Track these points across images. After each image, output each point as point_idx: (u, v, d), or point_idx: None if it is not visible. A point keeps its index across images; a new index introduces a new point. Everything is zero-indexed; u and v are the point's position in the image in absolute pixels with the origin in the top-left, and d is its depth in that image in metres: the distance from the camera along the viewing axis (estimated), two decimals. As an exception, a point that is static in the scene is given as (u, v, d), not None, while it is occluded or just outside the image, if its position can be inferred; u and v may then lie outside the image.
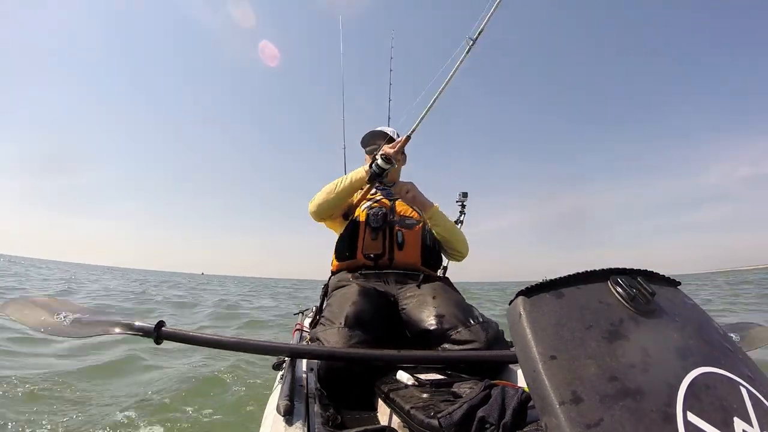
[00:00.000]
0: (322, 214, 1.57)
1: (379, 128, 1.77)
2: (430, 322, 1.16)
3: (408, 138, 1.47)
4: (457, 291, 1.35)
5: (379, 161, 1.43)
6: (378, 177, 1.46)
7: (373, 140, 1.73)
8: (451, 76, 1.49)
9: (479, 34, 1.50)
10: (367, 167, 1.48)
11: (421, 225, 1.54)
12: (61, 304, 1.14)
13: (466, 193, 2.00)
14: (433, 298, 1.24)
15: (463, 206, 2.01)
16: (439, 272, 1.67)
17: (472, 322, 1.14)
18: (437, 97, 1.49)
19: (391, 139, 1.70)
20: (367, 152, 1.74)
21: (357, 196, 1.60)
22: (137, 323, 1.01)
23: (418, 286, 1.34)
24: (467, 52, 1.50)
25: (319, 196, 1.55)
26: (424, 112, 1.49)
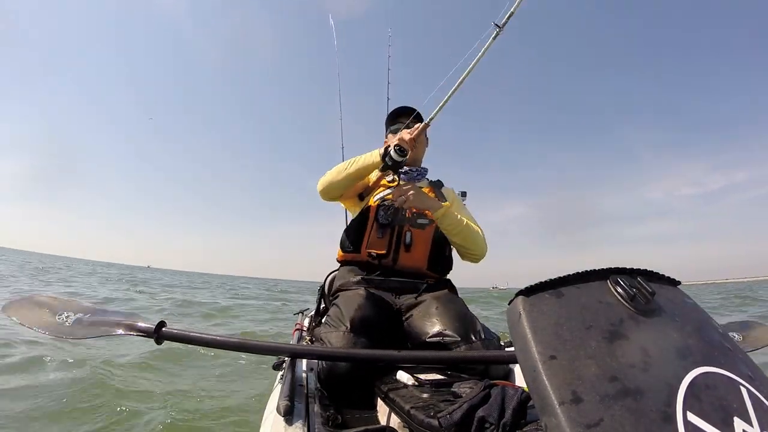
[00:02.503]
0: (330, 194, 1.50)
1: (405, 105, 1.65)
2: (431, 335, 1.13)
3: (427, 125, 1.39)
4: (461, 299, 1.31)
5: (393, 153, 1.31)
6: (392, 169, 1.38)
7: (398, 119, 1.61)
8: (474, 63, 1.38)
9: (508, 18, 1.37)
10: (382, 151, 1.39)
11: (433, 226, 1.44)
12: (63, 303, 1.13)
13: (465, 192, 1.98)
14: (436, 308, 1.20)
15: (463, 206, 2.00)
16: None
17: (473, 338, 1.11)
18: (459, 84, 1.38)
19: (418, 115, 1.57)
20: (391, 131, 1.62)
21: (374, 176, 1.53)
22: (138, 324, 1.01)
23: (422, 295, 1.30)
24: (493, 39, 1.39)
25: (328, 176, 1.48)
26: (446, 98, 1.38)
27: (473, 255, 1.49)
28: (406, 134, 1.36)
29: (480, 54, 1.40)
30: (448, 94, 1.39)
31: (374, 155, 1.40)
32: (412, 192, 1.34)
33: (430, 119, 1.39)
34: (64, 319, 1.06)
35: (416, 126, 1.39)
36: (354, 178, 1.45)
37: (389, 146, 1.35)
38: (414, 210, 1.44)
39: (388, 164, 1.35)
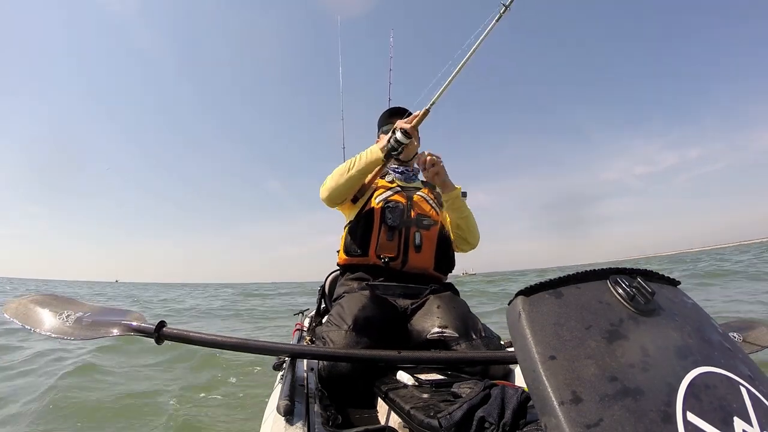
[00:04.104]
0: (335, 200, 1.45)
1: (399, 106, 1.64)
2: (432, 333, 1.14)
3: (427, 111, 1.34)
4: (463, 301, 1.31)
5: (398, 135, 1.30)
6: (395, 153, 1.33)
7: (390, 119, 1.60)
8: (478, 44, 1.34)
9: None
10: (382, 144, 1.35)
11: (438, 226, 1.46)
12: (64, 302, 1.13)
13: (465, 192, 1.99)
14: (437, 307, 1.22)
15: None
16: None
17: (474, 336, 1.12)
18: (461, 67, 1.34)
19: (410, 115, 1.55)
20: (383, 131, 1.61)
21: (369, 176, 1.50)
22: (138, 324, 1.01)
23: (426, 298, 1.30)
24: (498, 19, 1.36)
25: (330, 181, 1.43)
26: (447, 82, 1.35)
27: (468, 244, 1.56)
28: (403, 123, 1.33)
29: (484, 34, 1.35)
30: (450, 77, 1.35)
31: (374, 152, 1.36)
32: (435, 161, 1.37)
33: (430, 106, 1.34)
34: (65, 319, 1.05)
35: (415, 114, 1.35)
36: (357, 179, 1.41)
37: (393, 131, 1.32)
38: (418, 212, 1.44)
39: (393, 146, 1.32)
